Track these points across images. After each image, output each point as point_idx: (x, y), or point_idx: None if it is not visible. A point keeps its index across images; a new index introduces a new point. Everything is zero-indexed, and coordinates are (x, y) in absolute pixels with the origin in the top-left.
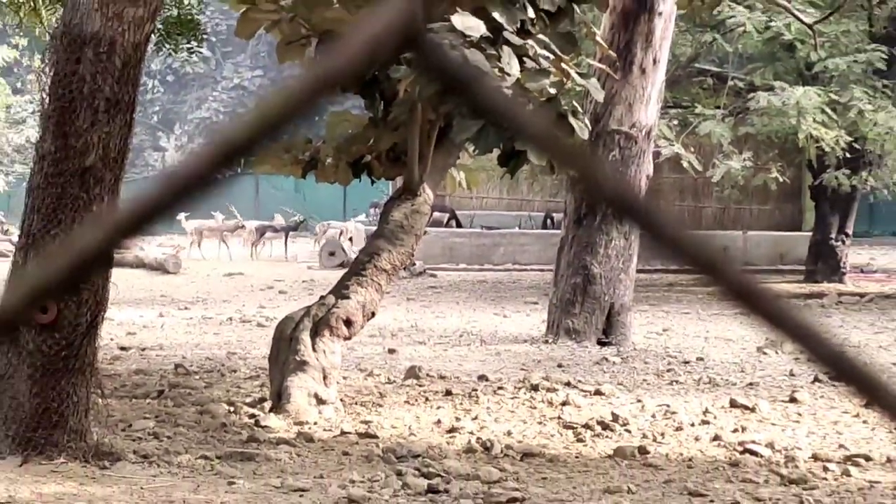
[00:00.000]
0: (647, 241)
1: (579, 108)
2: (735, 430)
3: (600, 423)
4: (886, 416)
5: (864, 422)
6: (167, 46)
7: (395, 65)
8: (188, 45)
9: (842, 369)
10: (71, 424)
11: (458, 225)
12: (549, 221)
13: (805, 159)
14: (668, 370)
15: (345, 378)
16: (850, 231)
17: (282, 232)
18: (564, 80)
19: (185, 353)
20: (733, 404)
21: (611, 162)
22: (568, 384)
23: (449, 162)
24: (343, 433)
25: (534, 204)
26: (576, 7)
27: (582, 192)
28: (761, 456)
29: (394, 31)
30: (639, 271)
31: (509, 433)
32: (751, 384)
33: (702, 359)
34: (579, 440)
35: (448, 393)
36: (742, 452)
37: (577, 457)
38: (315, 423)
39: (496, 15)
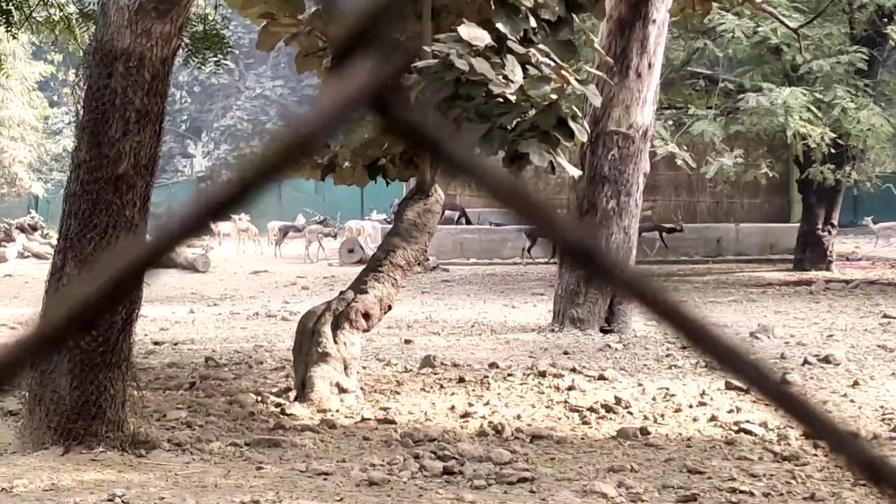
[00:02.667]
0: (607, 286)
1: (578, 112)
2: (731, 411)
3: (604, 406)
4: (746, 382)
5: (852, 401)
6: (195, 60)
7: (407, 73)
8: (215, 59)
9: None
10: (109, 416)
11: (468, 222)
12: None
13: (792, 155)
14: (667, 355)
15: (364, 368)
16: (835, 221)
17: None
18: (565, 85)
19: (214, 347)
20: (728, 386)
21: (610, 161)
22: (573, 370)
23: None
24: (363, 420)
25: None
26: (575, 16)
27: (547, 240)
28: (755, 435)
29: (364, 94)
30: (637, 262)
31: (519, 417)
32: None
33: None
34: (585, 422)
35: (461, 380)
36: (737, 432)
37: (582, 438)
38: (337, 411)
39: (500, 25)
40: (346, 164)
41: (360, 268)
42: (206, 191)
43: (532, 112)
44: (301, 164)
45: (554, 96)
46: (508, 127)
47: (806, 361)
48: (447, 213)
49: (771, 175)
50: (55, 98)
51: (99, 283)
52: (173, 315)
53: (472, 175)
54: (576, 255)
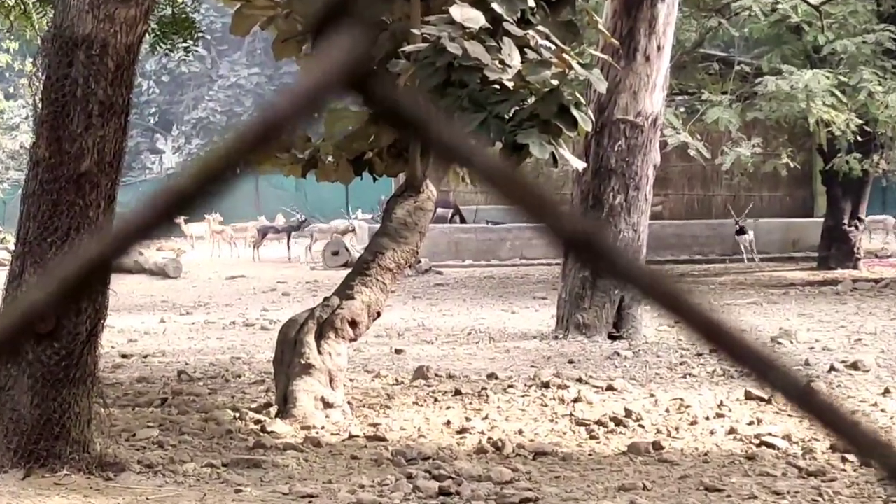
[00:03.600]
0: (613, 280)
1: (582, 99)
2: (751, 423)
3: (613, 419)
4: (770, 388)
5: (883, 410)
6: (163, 46)
7: (395, 58)
8: (184, 45)
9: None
10: (73, 435)
11: (463, 220)
12: None
13: (815, 144)
14: (681, 363)
15: (351, 380)
16: (863, 216)
17: (283, 232)
18: (566, 70)
19: (187, 360)
20: (748, 396)
21: (617, 152)
22: (579, 380)
23: None
24: (351, 437)
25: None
26: None
27: (539, 229)
28: (778, 448)
29: (342, 74)
30: (648, 263)
31: (521, 432)
32: None
33: (715, 350)
34: (592, 437)
35: (457, 393)
36: (759, 445)
37: (590, 454)
38: (322, 428)
39: (495, 5)
40: (330, 158)
41: (346, 271)
42: (170, 184)
43: (531, 99)
44: (273, 154)
45: (555, 82)
46: (506, 116)
47: (832, 368)
48: (440, 210)
49: (792, 166)
50: (11, 90)
51: (52, 285)
52: (142, 325)
53: (462, 159)
54: (578, 247)
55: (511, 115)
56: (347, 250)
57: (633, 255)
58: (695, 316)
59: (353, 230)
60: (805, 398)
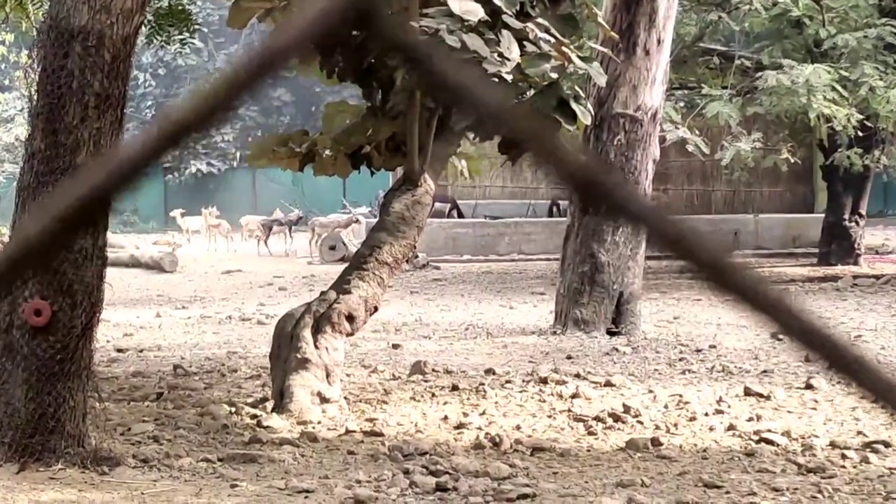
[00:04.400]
0: (615, 221)
1: (581, 93)
2: (750, 419)
3: (612, 415)
4: (867, 392)
5: (883, 407)
6: (158, 39)
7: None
8: (180, 37)
9: (815, 344)
10: (68, 429)
11: (461, 215)
12: (554, 209)
13: (816, 139)
14: (680, 359)
15: (348, 375)
16: (863, 211)
17: (286, 226)
18: (566, 64)
19: (183, 354)
20: (748, 392)
21: (616, 146)
22: (577, 376)
23: (449, 151)
24: (348, 432)
25: (539, 191)
26: None
27: (545, 172)
28: (778, 445)
29: (344, 7)
30: (647, 258)
31: (518, 428)
32: (765, 371)
33: (714, 346)
34: (590, 433)
35: (455, 388)
36: (758, 442)
37: (588, 450)
38: (319, 423)
39: None
40: (327, 152)
41: (343, 266)
42: (167, 115)
43: (530, 93)
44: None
45: (554, 75)
46: None
47: None
48: (438, 205)
49: (793, 161)
50: (6, 82)
51: (49, 218)
52: (138, 319)
53: (463, 96)
54: (582, 187)
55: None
56: (345, 244)
57: (640, 195)
58: (700, 255)
59: (357, 220)
60: (812, 337)
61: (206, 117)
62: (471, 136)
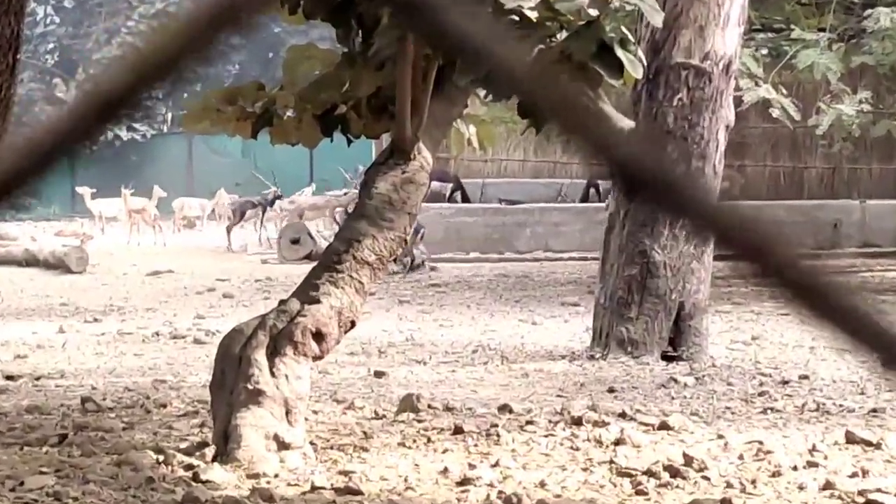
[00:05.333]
0: (677, 221)
1: (630, 36)
2: (854, 475)
3: (668, 468)
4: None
5: None
6: None
7: None
8: None
9: None
10: None
11: (466, 199)
12: (592, 191)
13: None
14: (761, 394)
15: (315, 413)
16: None
17: (259, 208)
18: None
19: (95, 383)
20: (850, 439)
21: (676, 108)
22: (623, 416)
23: (453, 113)
24: (314, 489)
25: (571, 168)
26: None
27: (578, 144)
28: None
29: None
30: (717, 257)
31: (543, 485)
32: (874, 411)
33: (806, 377)
34: (640, 492)
35: (458, 431)
36: None
37: None
38: (276, 476)
39: None
40: (289, 113)
41: (309, 266)
42: (97, 84)
43: (561, 35)
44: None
45: (593, 12)
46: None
47: None
48: (436, 185)
49: None
50: None
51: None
52: (34, 336)
53: (480, 55)
54: (635, 180)
55: (533, 56)
56: (311, 237)
57: (709, 194)
58: (777, 258)
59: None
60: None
61: (147, 84)
62: (482, 93)
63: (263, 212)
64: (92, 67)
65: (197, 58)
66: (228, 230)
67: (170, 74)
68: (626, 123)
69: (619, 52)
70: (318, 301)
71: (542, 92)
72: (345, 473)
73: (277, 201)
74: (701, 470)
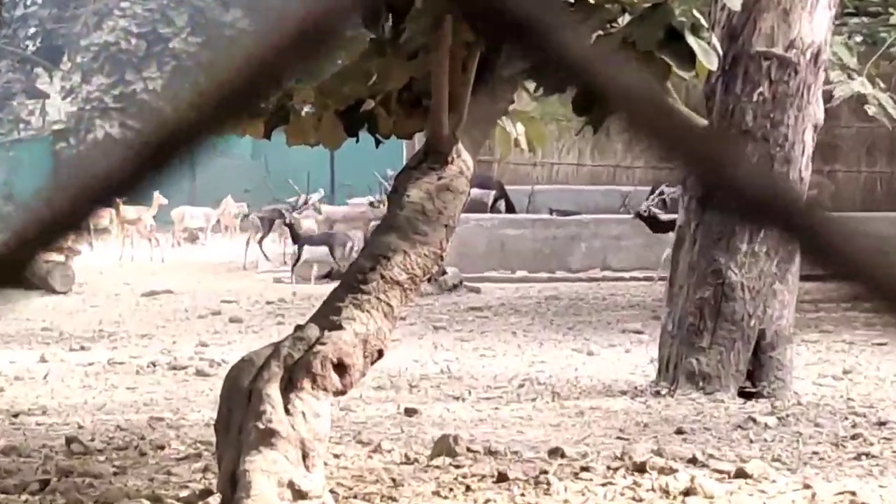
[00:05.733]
0: (802, 254)
1: (703, 20)
2: None
3: None
4: None
5: None
6: None
7: None
8: None
9: None
10: None
11: (512, 208)
12: (659, 200)
13: None
14: (854, 436)
15: (336, 456)
16: None
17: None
18: None
19: (82, 421)
20: None
21: (756, 103)
22: (693, 461)
23: (497, 109)
24: None
25: (634, 173)
26: None
27: (643, 145)
28: None
29: None
30: (804, 277)
31: None
32: None
33: None
34: None
35: (501, 478)
36: None
37: None
38: None
39: None
40: (307, 108)
41: (330, 286)
42: (150, 126)
43: (624, 19)
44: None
45: None
46: None
47: None
48: (477, 192)
49: None
50: None
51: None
52: (12, 366)
53: (587, 74)
54: (701, 169)
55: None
56: (333, 253)
57: (798, 200)
58: (881, 277)
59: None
60: None
61: (213, 122)
62: (531, 85)
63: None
64: (79, 55)
65: (270, 89)
66: (258, 243)
67: (237, 111)
68: (699, 122)
69: (691, 40)
70: (340, 327)
71: (604, 76)
72: None
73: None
74: None
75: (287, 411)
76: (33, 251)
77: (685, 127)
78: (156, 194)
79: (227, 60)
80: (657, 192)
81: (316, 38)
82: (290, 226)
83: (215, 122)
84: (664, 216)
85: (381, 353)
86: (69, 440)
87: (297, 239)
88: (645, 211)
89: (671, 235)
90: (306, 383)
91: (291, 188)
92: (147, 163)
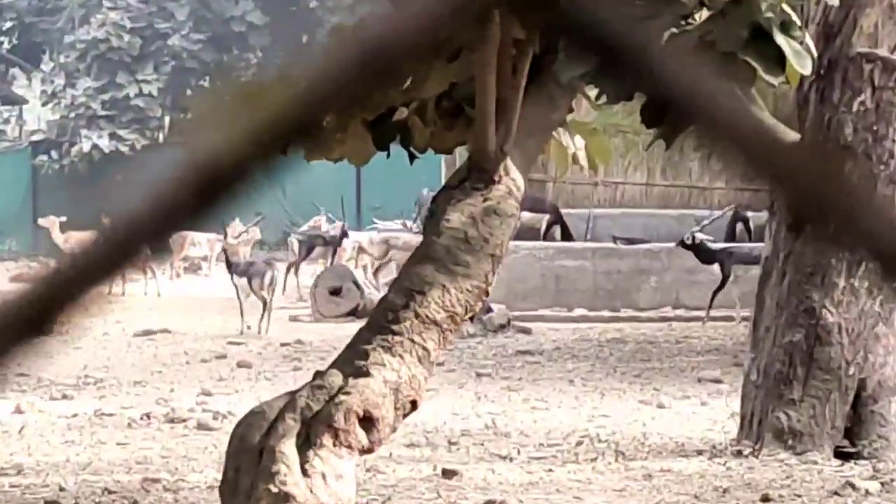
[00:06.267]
0: (859, 266)
1: (795, 17)
2: None
3: None
4: None
5: None
6: None
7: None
8: None
9: None
10: None
11: (568, 235)
12: (740, 227)
13: None
14: None
15: None
16: None
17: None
18: None
19: (64, 481)
20: None
21: (857, 114)
22: None
23: (553, 119)
24: None
25: (712, 195)
26: None
27: (723, 162)
28: None
29: None
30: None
31: None
32: None
33: None
34: None
35: None
36: None
37: None
38: None
39: None
40: (329, 119)
41: (355, 325)
42: (194, 157)
43: (702, 15)
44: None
45: None
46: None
47: None
48: (527, 216)
49: None
50: None
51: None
52: None
53: (685, 100)
54: (793, 189)
55: (662, 45)
56: (358, 287)
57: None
58: None
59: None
60: None
61: (263, 157)
62: (593, 92)
63: (334, 252)
64: (63, 54)
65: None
66: (292, 267)
67: (295, 142)
68: (789, 135)
69: (780, 39)
70: (367, 374)
71: (678, 82)
72: None
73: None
74: None
75: (304, 472)
76: (79, 292)
77: (773, 142)
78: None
79: (286, 84)
80: (739, 217)
81: (387, 60)
82: (224, 252)
83: (272, 152)
84: (713, 244)
85: (414, 405)
86: None
87: (230, 267)
88: (688, 238)
89: (755, 270)
90: (327, 439)
91: (309, 210)
92: (203, 194)
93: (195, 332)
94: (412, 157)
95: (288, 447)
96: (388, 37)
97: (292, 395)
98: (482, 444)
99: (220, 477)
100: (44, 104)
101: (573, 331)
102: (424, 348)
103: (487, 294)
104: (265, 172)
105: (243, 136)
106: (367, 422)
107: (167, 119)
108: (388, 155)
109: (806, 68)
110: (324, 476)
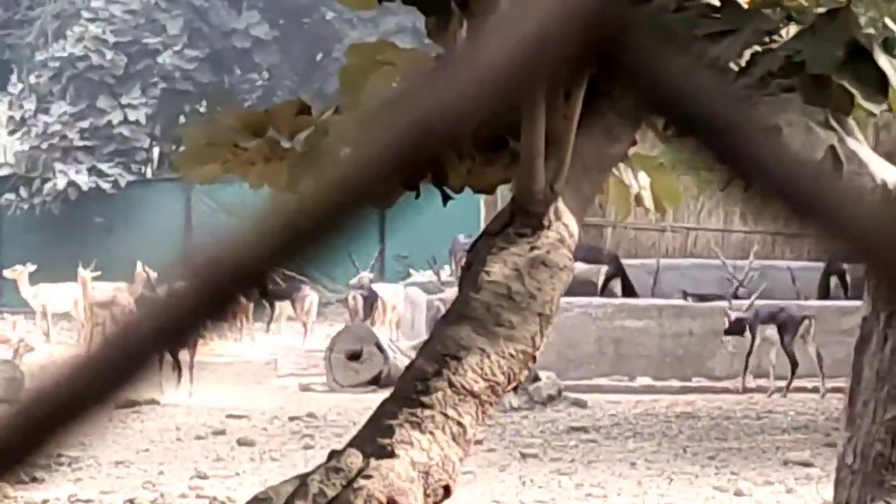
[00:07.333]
0: None
1: None
2: None
3: None
4: None
5: None
6: None
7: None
8: None
9: None
10: None
11: (630, 290)
12: (834, 282)
13: None
14: None
15: None
16: None
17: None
18: None
19: None
20: None
21: None
22: None
23: (612, 154)
24: None
25: (801, 245)
26: None
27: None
28: None
29: (573, 25)
30: None
31: None
32: None
33: None
34: None
35: None
36: None
37: None
38: None
39: None
40: (348, 150)
41: (378, 396)
42: (218, 253)
43: (789, 31)
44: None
45: None
46: (731, 66)
47: None
48: (581, 267)
49: None
50: None
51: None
52: None
53: (764, 168)
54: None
55: (744, 64)
56: (381, 350)
57: None
58: None
59: None
60: None
61: (295, 251)
62: (659, 123)
63: (373, 307)
64: (33, 74)
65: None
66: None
67: (336, 230)
68: (893, 173)
69: (882, 60)
70: (391, 454)
71: (760, 111)
72: None
73: (378, 290)
74: None
75: None
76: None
77: (851, 194)
78: (139, 267)
79: (381, 130)
80: (833, 269)
81: (407, 162)
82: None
83: (361, 202)
84: (736, 313)
85: (447, 491)
86: None
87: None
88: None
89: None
90: None
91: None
92: (289, 247)
93: (188, 404)
94: (446, 198)
95: None
96: (432, 111)
97: (303, 478)
98: None
99: None
100: (11, 133)
101: (635, 403)
102: (460, 424)
103: (534, 360)
104: (353, 224)
105: (329, 187)
106: None
107: (156, 151)
108: (418, 195)
109: None
110: None
